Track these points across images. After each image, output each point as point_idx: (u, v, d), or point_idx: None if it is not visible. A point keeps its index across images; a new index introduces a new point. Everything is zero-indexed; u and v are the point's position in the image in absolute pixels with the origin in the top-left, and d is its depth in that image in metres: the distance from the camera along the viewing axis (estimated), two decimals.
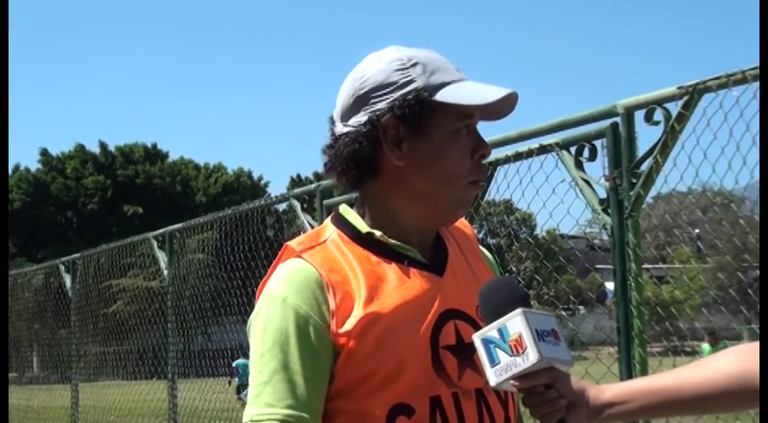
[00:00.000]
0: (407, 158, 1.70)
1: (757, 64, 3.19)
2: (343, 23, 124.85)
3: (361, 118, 1.72)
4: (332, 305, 1.65)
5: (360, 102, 1.73)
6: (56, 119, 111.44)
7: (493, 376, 1.53)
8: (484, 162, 1.75)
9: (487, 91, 1.68)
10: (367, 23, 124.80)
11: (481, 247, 1.96)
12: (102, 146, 66.57)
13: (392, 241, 1.73)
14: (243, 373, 18.85)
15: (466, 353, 1.62)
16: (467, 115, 1.69)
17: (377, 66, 1.73)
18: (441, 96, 1.67)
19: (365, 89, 1.72)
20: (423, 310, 1.68)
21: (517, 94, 1.71)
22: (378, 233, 1.73)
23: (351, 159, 1.73)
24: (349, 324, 1.63)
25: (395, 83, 1.70)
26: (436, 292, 1.71)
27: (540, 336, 1.51)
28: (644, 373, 3.62)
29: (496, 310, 1.56)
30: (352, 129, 1.73)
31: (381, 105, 1.70)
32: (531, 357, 1.50)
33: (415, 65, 1.70)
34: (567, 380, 1.57)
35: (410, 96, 1.68)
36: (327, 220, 1.83)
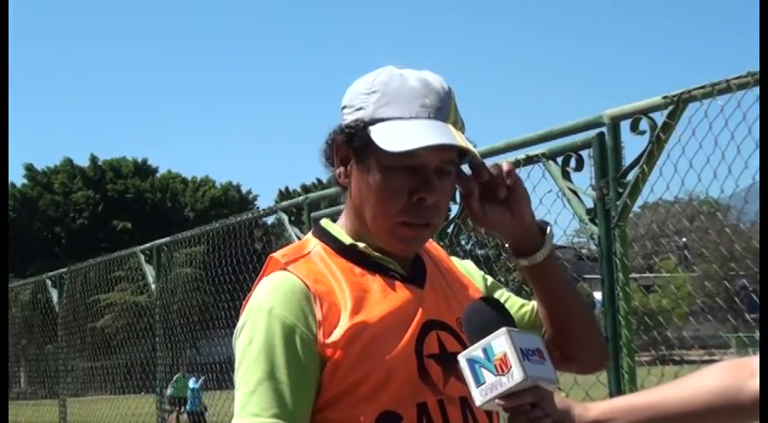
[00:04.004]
0: (351, 179, 1.75)
1: (742, 73, 3.21)
2: (331, 36, 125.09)
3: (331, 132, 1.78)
4: (318, 315, 1.66)
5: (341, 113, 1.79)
6: (39, 133, 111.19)
7: (478, 396, 1.53)
8: (427, 204, 1.69)
9: (412, 139, 1.64)
10: (354, 36, 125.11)
11: (455, 258, 1.99)
12: (93, 160, 66.35)
13: (375, 254, 1.75)
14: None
15: (449, 361, 1.63)
16: (405, 155, 1.65)
17: (356, 84, 1.77)
18: (372, 131, 1.68)
19: (342, 104, 1.77)
20: (407, 320, 1.70)
21: (451, 144, 1.65)
22: (361, 245, 1.75)
23: (328, 164, 1.80)
24: (336, 334, 1.64)
25: (353, 106, 1.73)
26: (418, 303, 1.74)
27: (524, 355, 1.51)
28: (632, 382, 3.63)
29: (481, 329, 1.56)
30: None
31: (340, 123, 1.75)
32: (516, 376, 1.50)
33: (374, 92, 1.72)
34: (552, 398, 1.57)
35: (353, 124, 1.71)
36: (309, 234, 1.86)
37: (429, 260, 1.87)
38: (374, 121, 1.69)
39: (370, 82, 1.74)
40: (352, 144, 1.72)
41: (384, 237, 1.73)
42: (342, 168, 1.76)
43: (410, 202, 1.69)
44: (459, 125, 1.73)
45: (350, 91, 1.77)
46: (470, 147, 1.68)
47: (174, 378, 18.86)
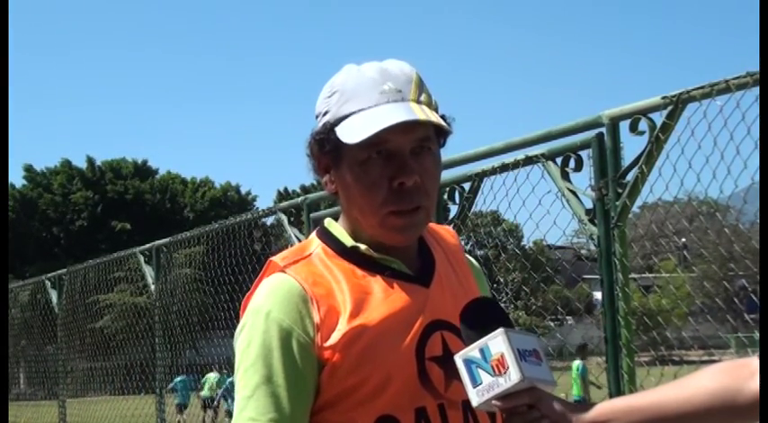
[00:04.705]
0: (336, 185, 1.75)
1: (741, 73, 3.21)
2: (330, 38, 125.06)
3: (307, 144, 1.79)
4: (316, 319, 1.65)
5: None
6: (40, 135, 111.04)
7: (475, 397, 1.53)
8: (409, 188, 1.67)
9: (373, 124, 1.63)
10: (353, 38, 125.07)
11: (468, 257, 1.96)
12: (90, 161, 66.29)
13: (377, 254, 1.73)
14: (182, 389, 18.83)
15: (453, 364, 1.61)
16: (371, 143, 1.65)
17: (321, 92, 1.77)
18: (338, 129, 1.69)
19: (315, 115, 1.78)
20: (408, 321, 1.68)
21: (410, 120, 1.64)
22: (363, 247, 1.74)
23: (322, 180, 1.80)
24: (334, 338, 1.64)
25: (320, 113, 1.75)
26: (422, 303, 1.71)
27: (521, 355, 1.51)
28: (632, 383, 3.63)
29: (478, 330, 1.56)
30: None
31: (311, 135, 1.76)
32: (513, 377, 1.50)
33: (334, 93, 1.72)
34: (549, 399, 1.57)
35: (321, 129, 1.72)
36: (313, 235, 1.84)
37: (441, 253, 1.84)
38: (338, 121, 1.69)
39: (330, 85, 1.75)
40: (324, 150, 1.72)
41: (378, 232, 1.72)
42: (327, 176, 1.76)
43: (391, 189, 1.67)
44: (426, 102, 1.71)
45: (317, 102, 1.78)
46: (432, 118, 1.66)
47: (208, 378, 18.92)
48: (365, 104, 1.67)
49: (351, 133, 1.65)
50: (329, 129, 1.70)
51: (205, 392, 19.36)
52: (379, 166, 1.67)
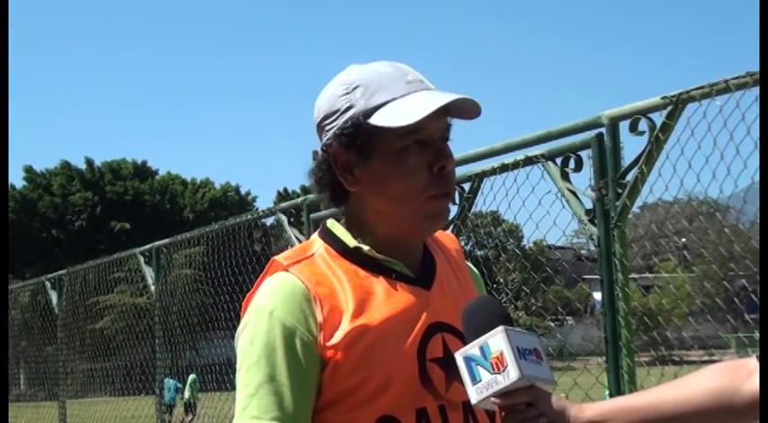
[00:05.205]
0: (361, 183, 1.74)
1: (740, 73, 3.21)
2: (330, 38, 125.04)
3: (323, 145, 1.77)
4: (319, 318, 1.66)
5: (319, 130, 1.78)
6: (38, 135, 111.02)
7: (474, 394, 1.54)
8: (447, 172, 1.71)
9: (421, 107, 1.65)
10: (352, 38, 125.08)
11: (468, 263, 1.97)
12: (89, 162, 66.29)
13: (379, 256, 1.74)
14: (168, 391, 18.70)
15: (453, 365, 1.61)
16: (411, 131, 1.66)
17: (326, 93, 1.77)
18: (374, 119, 1.68)
19: (319, 118, 1.77)
20: (410, 323, 1.69)
21: (461, 99, 1.68)
22: (365, 247, 1.74)
23: (321, 185, 1.79)
24: (336, 337, 1.64)
25: (338, 110, 1.73)
26: (423, 305, 1.72)
27: (521, 354, 1.52)
28: (632, 383, 3.63)
29: (479, 328, 1.56)
30: (319, 155, 1.78)
31: (330, 133, 1.74)
32: (511, 375, 1.50)
33: (356, 88, 1.72)
34: (547, 398, 1.57)
35: (348, 123, 1.71)
36: (315, 235, 1.85)
37: (442, 257, 1.85)
38: (371, 112, 1.69)
39: (344, 82, 1.75)
40: (354, 143, 1.71)
41: (415, 220, 1.72)
42: (348, 175, 1.74)
43: (432, 174, 1.69)
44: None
45: (322, 104, 1.77)
46: (472, 97, 1.70)
47: (190, 379, 18.73)
48: (396, 94, 1.69)
49: (398, 119, 1.65)
50: (362, 119, 1.69)
51: (186, 395, 19.11)
52: (417, 153, 1.69)
